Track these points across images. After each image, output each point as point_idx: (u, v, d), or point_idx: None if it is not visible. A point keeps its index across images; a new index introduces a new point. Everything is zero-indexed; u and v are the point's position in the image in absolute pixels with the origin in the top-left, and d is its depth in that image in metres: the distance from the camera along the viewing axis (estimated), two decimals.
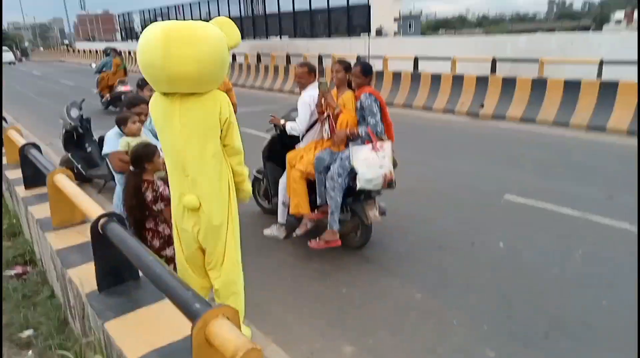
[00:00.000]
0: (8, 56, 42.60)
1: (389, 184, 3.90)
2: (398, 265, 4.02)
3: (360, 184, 3.84)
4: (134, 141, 3.46)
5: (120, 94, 11.09)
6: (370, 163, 3.82)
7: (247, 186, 2.77)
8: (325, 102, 4.06)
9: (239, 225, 2.73)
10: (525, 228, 4.60)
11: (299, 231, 4.28)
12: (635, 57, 8.42)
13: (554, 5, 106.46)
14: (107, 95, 11.79)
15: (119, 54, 12.35)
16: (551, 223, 4.68)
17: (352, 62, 4.28)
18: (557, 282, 3.66)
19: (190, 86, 2.27)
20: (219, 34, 2.29)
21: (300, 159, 4.17)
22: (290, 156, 4.28)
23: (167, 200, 3.11)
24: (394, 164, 3.97)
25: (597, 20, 79.50)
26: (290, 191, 4.19)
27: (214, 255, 2.63)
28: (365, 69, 4.04)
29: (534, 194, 5.36)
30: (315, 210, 4.24)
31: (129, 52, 27.88)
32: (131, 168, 3.20)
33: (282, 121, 4.53)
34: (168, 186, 3.12)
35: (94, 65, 14.10)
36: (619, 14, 79.97)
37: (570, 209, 4.93)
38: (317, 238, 4.05)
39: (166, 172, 3.51)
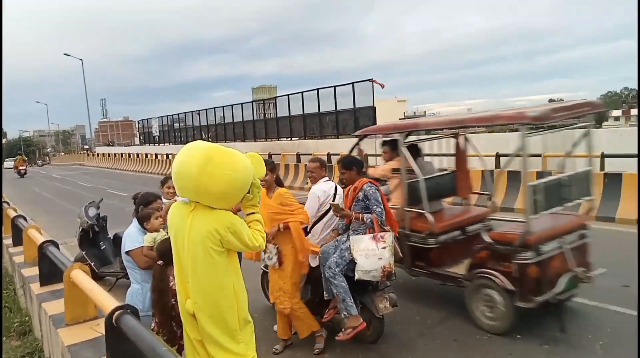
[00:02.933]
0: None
1: (387, 276, 3.83)
2: None
3: (358, 275, 3.83)
4: (159, 236, 3.56)
5: (19, 170, 31.56)
6: (369, 253, 3.81)
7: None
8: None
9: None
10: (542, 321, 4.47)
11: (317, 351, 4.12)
12: (635, 151, 8.72)
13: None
14: (16, 171, 30.96)
15: (21, 155, 39.48)
16: (568, 315, 4.55)
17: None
18: None
19: (211, 200, 2.47)
20: (249, 166, 2.54)
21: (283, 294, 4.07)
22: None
23: (176, 296, 3.13)
24: (396, 256, 3.94)
25: (597, 117, 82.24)
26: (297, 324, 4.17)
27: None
28: (343, 163, 4.22)
29: None
30: (325, 312, 4.17)
31: (146, 155, 29.14)
32: (160, 262, 3.24)
33: None
34: None
35: (12, 163, 38.17)
36: (616, 112, 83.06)
37: (587, 300, 4.82)
38: (342, 330, 3.91)
39: None
